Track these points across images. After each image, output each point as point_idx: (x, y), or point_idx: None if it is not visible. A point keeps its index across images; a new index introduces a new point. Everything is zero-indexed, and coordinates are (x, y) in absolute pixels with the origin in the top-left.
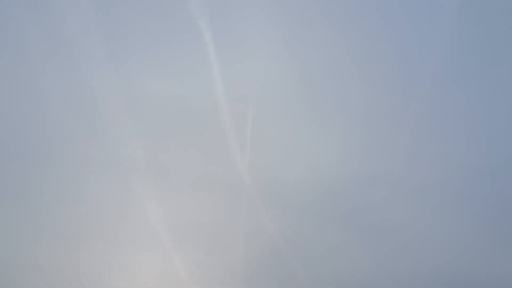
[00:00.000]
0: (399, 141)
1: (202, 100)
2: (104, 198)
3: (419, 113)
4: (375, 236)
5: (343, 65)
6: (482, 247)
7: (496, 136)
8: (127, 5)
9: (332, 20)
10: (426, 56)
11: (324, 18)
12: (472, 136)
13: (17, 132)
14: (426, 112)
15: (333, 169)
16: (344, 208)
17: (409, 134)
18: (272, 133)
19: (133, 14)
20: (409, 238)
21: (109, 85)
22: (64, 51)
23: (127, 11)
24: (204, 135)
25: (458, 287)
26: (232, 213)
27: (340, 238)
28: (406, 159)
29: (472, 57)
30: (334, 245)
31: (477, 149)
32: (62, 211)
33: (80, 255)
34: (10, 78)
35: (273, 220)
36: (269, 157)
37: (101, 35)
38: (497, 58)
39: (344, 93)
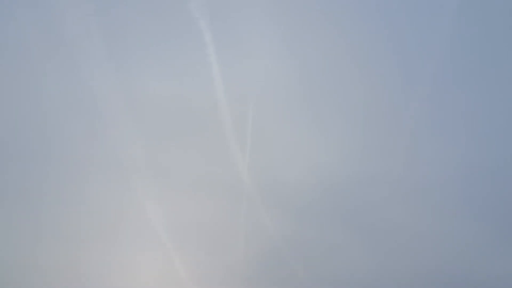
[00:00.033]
0: (399, 141)
1: (202, 100)
2: (104, 198)
3: (419, 113)
4: (375, 236)
5: (343, 65)
6: (482, 247)
7: (496, 136)
8: (127, 5)
9: (332, 20)
10: (426, 56)
11: (324, 18)
12: (472, 136)
13: (17, 132)
14: (426, 112)
15: (333, 169)
16: (344, 208)
17: (409, 134)
18: (272, 133)
19: (133, 14)
20: (409, 238)
21: (109, 85)
22: (64, 51)
23: (127, 11)
24: (204, 135)
25: (458, 287)
26: (232, 213)
27: (340, 238)
28: (406, 159)
29: (472, 57)
30: (334, 245)
31: (477, 149)
32: (62, 211)
33: (80, 255)
34: (10, 78)
35: (273, 220)
36: (269, 157)
37: (101, 35)
38: (497, 58)
39: (344, 93)
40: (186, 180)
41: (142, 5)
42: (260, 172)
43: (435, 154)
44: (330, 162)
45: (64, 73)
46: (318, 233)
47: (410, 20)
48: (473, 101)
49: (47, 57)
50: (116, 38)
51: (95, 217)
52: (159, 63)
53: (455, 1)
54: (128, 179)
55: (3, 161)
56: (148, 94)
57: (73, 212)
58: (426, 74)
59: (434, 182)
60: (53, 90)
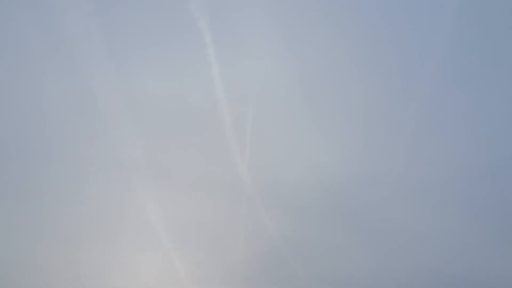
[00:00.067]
0: (399, 141)
1: (202, 100)
2: (104, 198)
3: (419, 113)
4: (375, 236)
5: (343, 65)
6: (482, 247)
7: (496, 136)
8: (127, 5)
9: (332, 20)
10: (426, 56)
11: (324, 18)
12: (472, 136)
13: (17, 132)
14: (426, 112)
15: (333, 169)
16: (344, 208)
17: (409, 134)
18: (272, 133)
19: (133, 14)
20: (409, 238)
21: (109, 85)
22: (64, 51)
23: (127, 11)
24: (204, 135)
25: (458, 287)
26: (232, 213)
27: (340, 238)
28: (406, 159)
29: (472, 57)
30: (334, 245)
31: (477, 149)
32: (62, 211)
33: (80, 255)
34: (10, 78)
35: (273, 220)
36: (269, 157)
37: (101, 35)
38: (497, 58)
39: (344, 93)
40: (186, 180)
41: (142, 5)
42: (260, 172)
43: (435, 154)
44: (330, 162)
45: (64, 73)
46: (318, 233)
47: (410, 20)
48: (473, 101)
49: (47, 57)
50: (116, 38)
51: (95, 217)
52: (159, 63)
53: (455, 1)
54: (128, 179)
55: (3, 161)
56: (148, 94)
57: (73, 212)
58: (426, 74)
59: (434, 182)
60: (53, 90)
